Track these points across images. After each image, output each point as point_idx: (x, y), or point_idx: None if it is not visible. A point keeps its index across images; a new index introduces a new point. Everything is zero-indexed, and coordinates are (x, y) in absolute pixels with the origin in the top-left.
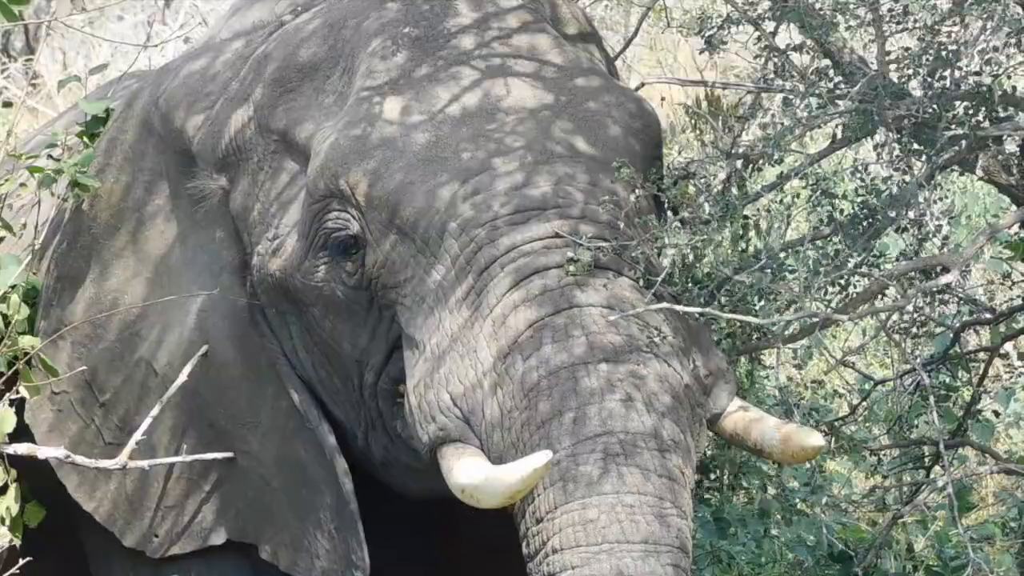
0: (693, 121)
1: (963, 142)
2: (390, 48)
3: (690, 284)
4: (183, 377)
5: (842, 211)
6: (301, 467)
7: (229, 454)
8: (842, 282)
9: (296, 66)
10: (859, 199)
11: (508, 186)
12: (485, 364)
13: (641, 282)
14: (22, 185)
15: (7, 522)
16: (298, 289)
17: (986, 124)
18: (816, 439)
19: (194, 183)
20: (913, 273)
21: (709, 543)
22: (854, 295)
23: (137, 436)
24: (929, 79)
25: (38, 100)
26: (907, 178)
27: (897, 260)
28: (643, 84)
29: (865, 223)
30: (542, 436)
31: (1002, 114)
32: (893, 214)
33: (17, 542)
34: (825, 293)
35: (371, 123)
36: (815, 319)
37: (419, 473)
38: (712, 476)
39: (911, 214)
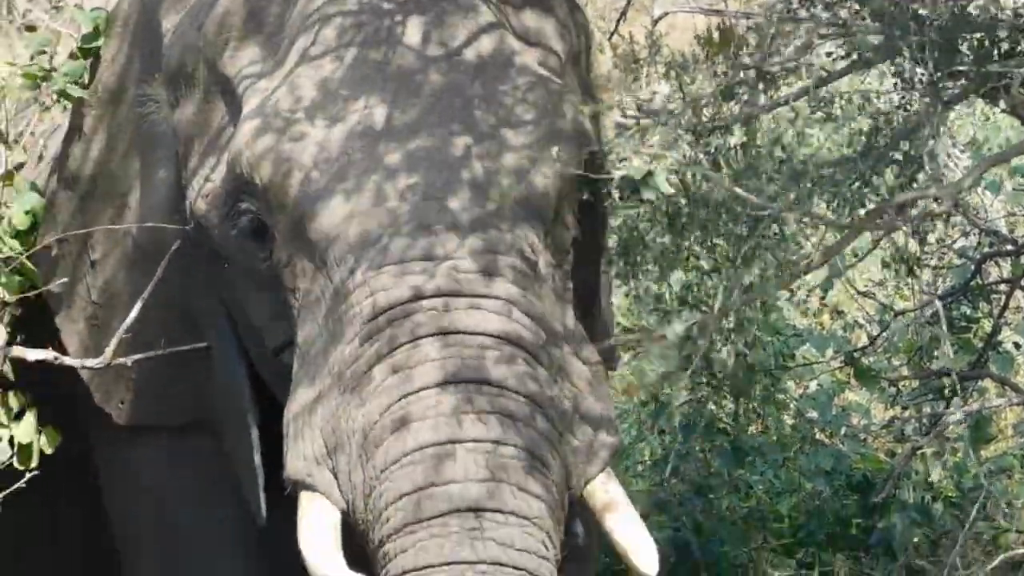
0: (705, 51)
1: (970, 78)
2: (342, 11)
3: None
4: (158, 275)
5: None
6: (235, 394)
7: (204, 344)
8: (847, 198)
9: (242, 5)
10: (866, 129)
11: (417, 214)
12: (362, 427)
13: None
14: (45, 109)
15: (15, 447)
16: (219, 242)
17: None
18: (649, 567)
19: (148, 94)
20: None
21: (727, 472)
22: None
23: (119, 334)
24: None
25: (61, 23)
26: (914, 107)
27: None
28: (665, 14)
29: (874, 151)
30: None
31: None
32: (903, 145)
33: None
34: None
35: (296, 105)
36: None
37: None
38: (729, 405)
39: (916, 146)
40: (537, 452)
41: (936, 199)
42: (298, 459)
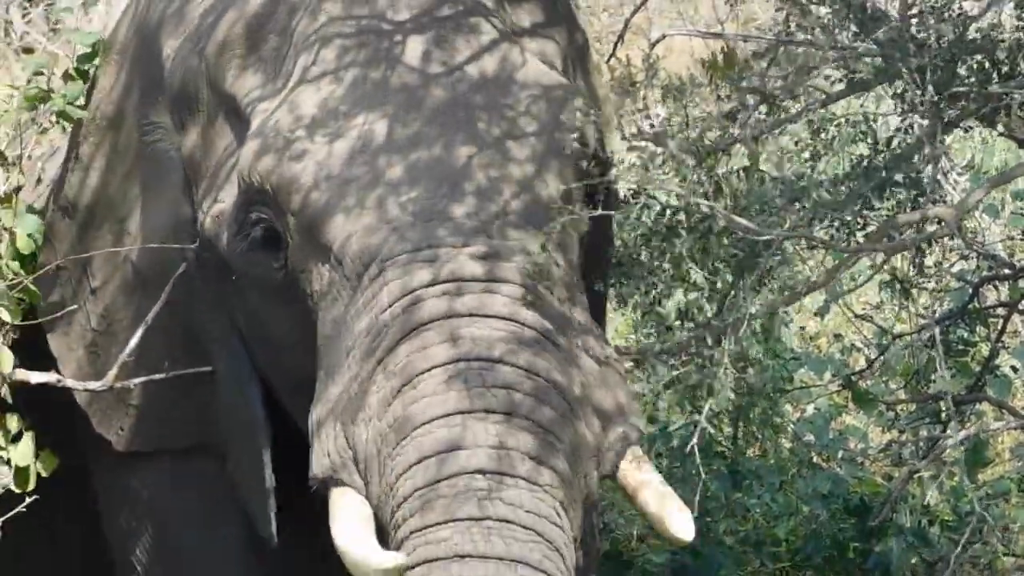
0: (709, 74)
1: (971, 100)
2: (342, 32)
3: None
4: (163, 299)
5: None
6: (245, 415)
7: (208, 368)
8: (847, 221)
9: (243, 28)
10: (866, 153)
11: (422, 219)
12: (376, 412)
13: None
14: (43, 132)
15: (12, 469)
16: (231, 260)
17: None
18: (684, 532)
19: (152, 120)
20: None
21: (724, 495)
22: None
23: (123, 357)
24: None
25: (58, 45)
26: (913, 131)
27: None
28: (663, 37)
29: (875, 175)
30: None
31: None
32: (904, 167)
33: (27, 489)
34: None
35: (297, 124)
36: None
37: None
38: (727, 429)
39: (917, 170)
40: (549, 427)
41: (939, 221)
42: (324, 456)
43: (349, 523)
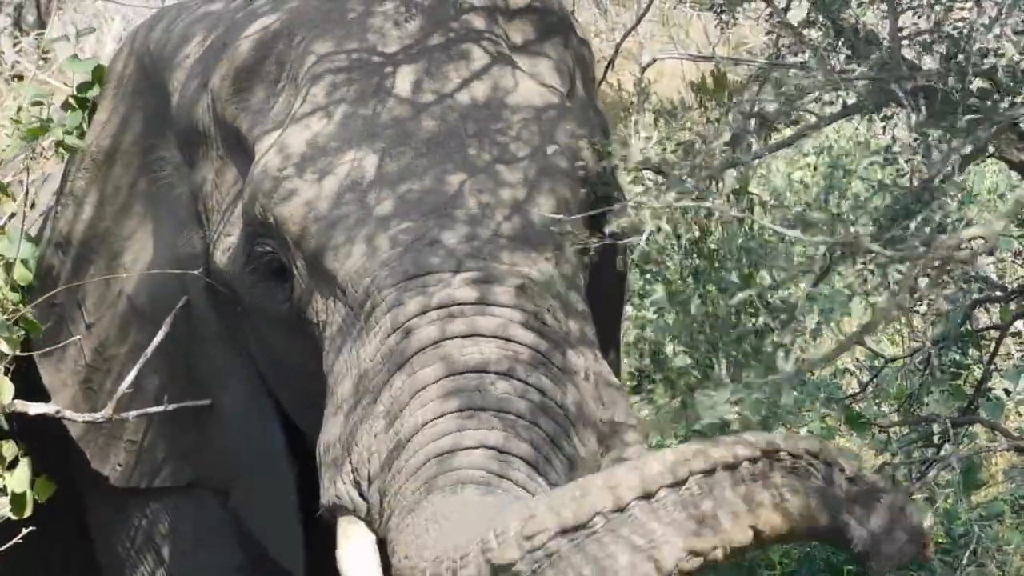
0: (699, 97)
1: (987, 128)
2: (331, 69)
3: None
4: (163, 332)
5: (856, 195)
6: (261, 449)
7: (207, 401)
8: (861, 265)
9: (247, 63)
10: (886, 189)
11: (412, 249)
12: (376, 446)
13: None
14: (32, 159)
15: (8, 495)
16: (240, 292)
17: (1004, 105)
18: None
19: (159, 155)
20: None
21: None
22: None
23: (122, 389)
24: (945, 55)
25: (50, 74)
26: (927, 165)
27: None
28: (653, 60)
29: (895, 210)
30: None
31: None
32: (918, 212)
33: (25, 516)
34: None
35: (299, 155)
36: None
37: None
38: None
39: (937, 211)
40: (544, 442)
41: (970, 241)
42: (332, 485)
43: (356, 553)
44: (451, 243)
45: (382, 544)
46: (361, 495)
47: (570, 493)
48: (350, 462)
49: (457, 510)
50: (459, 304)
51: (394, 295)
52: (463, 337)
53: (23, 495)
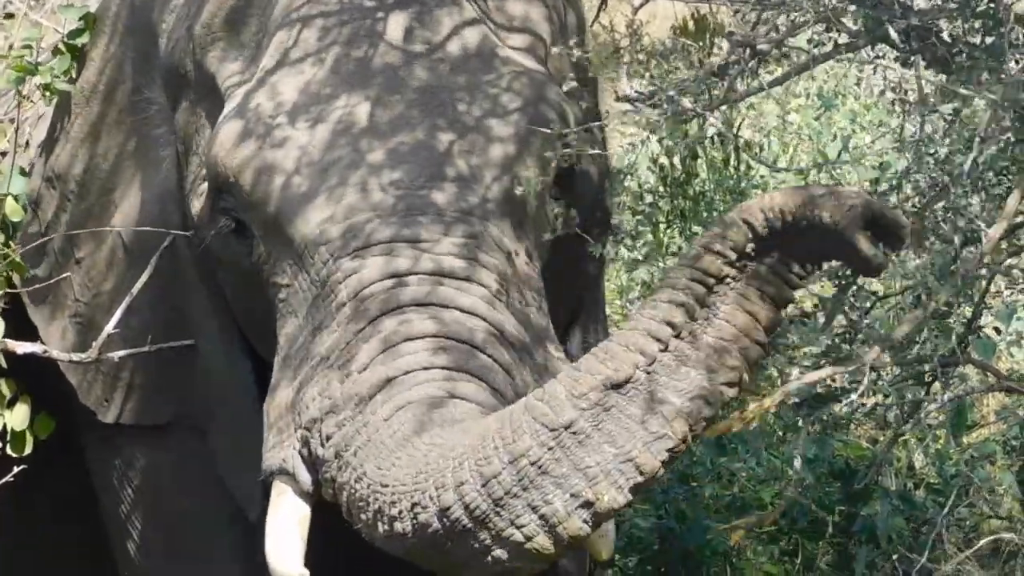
0: (680, 43)
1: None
2: (301, 23)
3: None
4: (148, 272)
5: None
6: (235, 393)
7: (190, 341)
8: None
9: (227, 9)
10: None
11: (382, 212)
12: (341, 392)
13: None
14: (25, 98)
15: (8, 436)
16: (208, 242)
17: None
18: (604, 552)
19: (146, 95)
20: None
21: (709, 460)
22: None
23: (107, 330)
24: None
25: (41, 14)
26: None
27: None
28: (645, 2)
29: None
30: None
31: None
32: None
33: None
34: None
35: (261, 113)
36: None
37: None
38: None
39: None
40: (497, 374)
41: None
42: (275, 449)
43: (282, 530)
44: (441, 204)
45: (317, 513)
46: (305, 463)
47: (601, 355)
48: (297, 423)
49: (441, 423)
50: (449, 263)
51: (382, 244)
52: (453, 292)
53: (23, 432)
